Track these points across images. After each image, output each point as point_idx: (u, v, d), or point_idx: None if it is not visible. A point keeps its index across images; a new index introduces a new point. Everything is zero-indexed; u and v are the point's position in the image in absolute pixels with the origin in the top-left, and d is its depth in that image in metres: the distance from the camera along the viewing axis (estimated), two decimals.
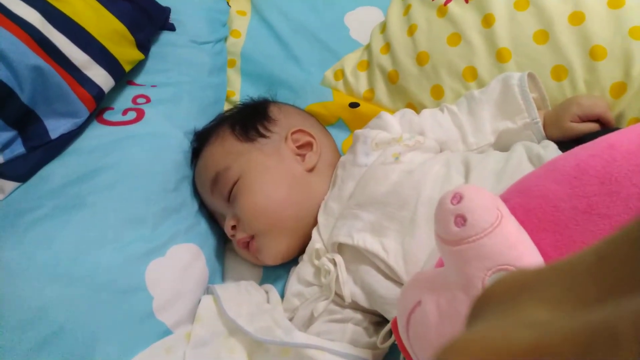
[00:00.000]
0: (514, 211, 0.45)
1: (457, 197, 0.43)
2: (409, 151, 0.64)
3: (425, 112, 0.71)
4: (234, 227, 0.67)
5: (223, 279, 0.71)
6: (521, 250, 0.41)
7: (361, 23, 0.94)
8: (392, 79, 0.81)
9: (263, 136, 0.70)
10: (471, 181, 0.57)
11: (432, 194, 0.58)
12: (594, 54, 0.67)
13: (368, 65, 0.85)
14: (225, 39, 0.96)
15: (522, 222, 0.44)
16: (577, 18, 0.68)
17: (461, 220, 0.42)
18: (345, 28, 0.95)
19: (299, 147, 0.70)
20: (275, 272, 0.71)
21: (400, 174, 0.61)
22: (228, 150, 0.69)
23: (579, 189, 0.43)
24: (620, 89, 0.66)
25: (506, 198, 0.47)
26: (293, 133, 0.71)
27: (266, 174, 0.67)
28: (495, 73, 0.72)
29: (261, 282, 0.71)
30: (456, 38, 0.75)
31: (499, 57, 0.72)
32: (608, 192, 0.41)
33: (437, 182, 0.59)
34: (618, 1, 0.67)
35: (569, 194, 0.43)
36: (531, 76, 0.68)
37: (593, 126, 0.64)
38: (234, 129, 0.71)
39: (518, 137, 0.65)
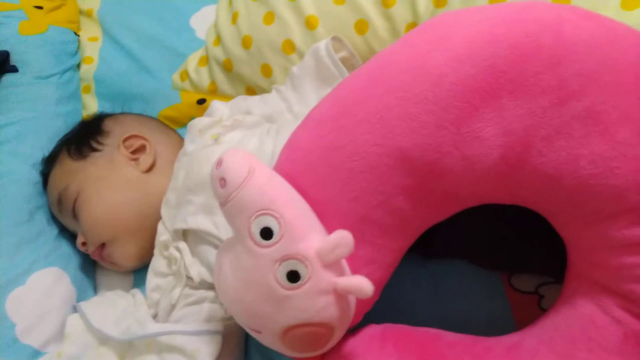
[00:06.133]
0: (283, 165, 0.49)
1: (219, 163, 0.47)
2: (229, 131, 0.67)
3: (255, 96, 0.76)
4: (84, 244, 0.70)
5: (96, 292, 0.74)
6: (273, 195, 0.45)
7: (206, 22, 0.96)
8: (228, 68, 0.84)
9: (96, 150, 0.73)
10: (277, 146, 0.61)
11: None
12: (385, 1, 0.71)
13: (207, 60, 0.88)
14: (78, 66, 0.98)
15: (289, 173, 0.48)
16: None
17: (223, 182, 0.46)
18: (191, 30, 0.97)
19: (133, 152, 0.73)
20: (146, 276, 0.74)
21: (221, 154, 0.65)
22: (66, 171, 0.72)
23: (321, 130, 0.47)
24: (413, 28, 0.71)
25: (280, 155, 0.51)
26: (125, 140, 0.73)
27: (100, 185, 0.70)
28: (309, 41, 0.76)
29: (133, 288, 0.74)
30: (270, 16, 0.79)
31: (309, 25, 0.76)
32: (339, 126, 0.46)
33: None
34: None
35: (313, 136, 0.47)
36: (337, 39, 0.72)
37: None
38: (69, 149, 0.74)
39: None
